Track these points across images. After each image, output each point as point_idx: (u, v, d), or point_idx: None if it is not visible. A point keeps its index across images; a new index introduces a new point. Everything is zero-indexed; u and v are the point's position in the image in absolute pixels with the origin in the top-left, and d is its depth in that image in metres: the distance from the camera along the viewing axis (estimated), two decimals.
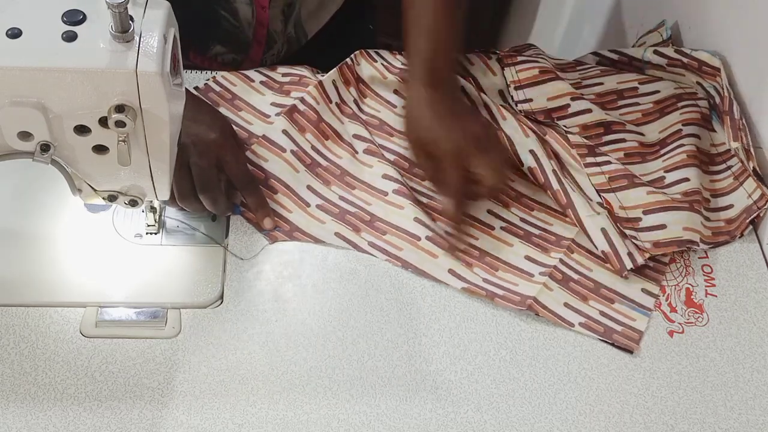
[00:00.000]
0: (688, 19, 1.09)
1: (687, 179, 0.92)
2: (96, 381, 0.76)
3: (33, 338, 0.78)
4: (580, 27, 1.56)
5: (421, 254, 0.87)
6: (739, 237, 0.92)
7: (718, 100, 0.99)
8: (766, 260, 0.91)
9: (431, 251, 0.87)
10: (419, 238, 0.87)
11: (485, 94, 0.98)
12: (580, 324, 0.83)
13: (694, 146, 0.95)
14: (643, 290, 0.86)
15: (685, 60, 1.01)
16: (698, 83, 1.01)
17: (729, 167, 0.96)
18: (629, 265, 0.86)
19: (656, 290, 0.86)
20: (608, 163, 0.93)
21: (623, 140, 0.96)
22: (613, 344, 0.83)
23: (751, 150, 0.93)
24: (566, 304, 0.84)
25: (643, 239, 0.88)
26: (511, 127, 0.94)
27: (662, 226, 0.88)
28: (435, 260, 0.86)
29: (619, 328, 0.83)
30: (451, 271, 0.86)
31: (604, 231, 0.88)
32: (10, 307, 0.80)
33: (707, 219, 0.91)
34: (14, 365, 0.77)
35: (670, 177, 0.93)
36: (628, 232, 0.88)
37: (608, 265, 0.87)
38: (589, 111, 0.97)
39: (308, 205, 0.89)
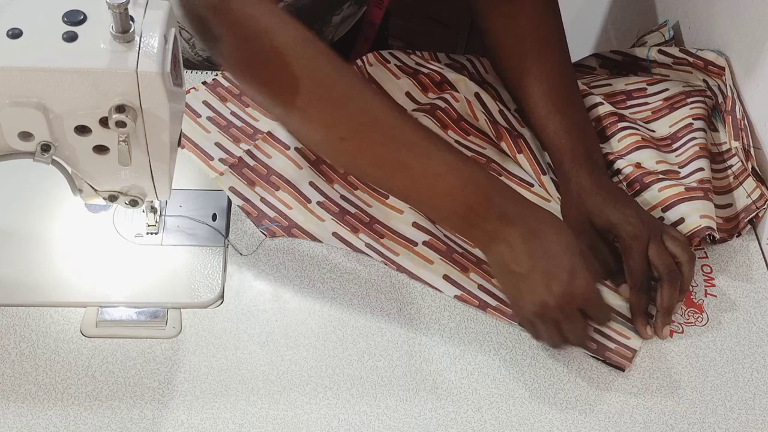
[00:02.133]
0: (688, 18, 1.09)
1: (702, 169, 0.92)
2: (96, 381, 0.76)
3: (33, 338, 0.78)
4: (580, 27, 1.56)
5: (416, 260, 0.86)
6: (737, 236, 0.92)
7: (720, 99, 0.99)
8: (765, 260, 0.91)
9: (427, 257, 0.86)
10: (416, 243, 0.87)
11: (501, 104, 0.98)
12: None
13: (704, 140, 0.95)
14: None
15: (690, 59, 1.01)
16: (705, 81, 1.01)
17: (729, 166, 0.96)
18: None
19: (653, 310, 0.85)
20: (619, 171, 0.93)
21: (637, 131, 0.96)
22: (604, 361, 0.82)
23: (751, 151, 0.93)
24: None
25: None
26: (529, 137, 0.95)
27: (681, 220, 0.88)
28: (430, 266, 0.86)
29: (612, 345, 0.82)
30: (445, 277, 0.85)
31: None
32: (11, 307, 0.80)
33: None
34: (15, 365, 0.77)
35: (685, 170, 0.93)
36: None
37: (608, 282, 0.87)
38: (601, 104, 0.98)
39: (309, 201, 0.89)
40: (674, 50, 1.03)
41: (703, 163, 0.93)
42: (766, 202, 0.92)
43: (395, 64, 1.00)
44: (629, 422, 0.78)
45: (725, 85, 0.98)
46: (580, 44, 1.54)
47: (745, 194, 0.93)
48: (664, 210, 0.89)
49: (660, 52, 1.03)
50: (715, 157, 0.97)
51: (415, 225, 0.88)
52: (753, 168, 0.93)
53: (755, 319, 0.86)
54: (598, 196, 0.87)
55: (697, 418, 0.79)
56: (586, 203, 0.87)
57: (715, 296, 0.87)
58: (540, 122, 0.94)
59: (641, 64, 1.04)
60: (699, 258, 0.90)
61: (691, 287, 0.87)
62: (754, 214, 0.92)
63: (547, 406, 0.78)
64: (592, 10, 1.51)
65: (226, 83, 0.98)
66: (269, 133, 0.92)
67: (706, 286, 0.88)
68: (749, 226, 0.93)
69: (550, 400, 0.79)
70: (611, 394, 0.80)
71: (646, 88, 1.02)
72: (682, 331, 0.84)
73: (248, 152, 0.91)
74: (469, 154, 0.96)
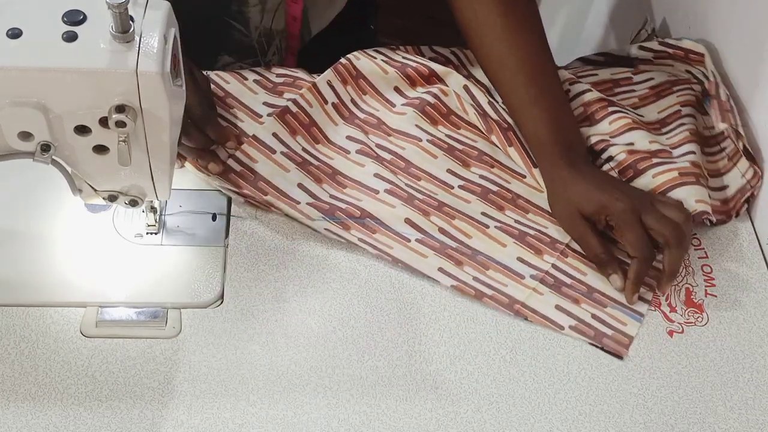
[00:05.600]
0: (688, 18, 1.09)
1: (693, 153, 0.93)
2: (96, 381, 0.76)
3: (33, 338, 0.78)
4: (580, 27, 1.57)
5: (410, 253, 0.87)
6: (736, 216, 0.93)
7: (707, 84, 1.00)
8: (766, 260, 0.91)
9: (421, 252, 0.87)
10: (409, 240, 0.87)
11: (490, 95, 0.98)
12: (570, 327, 0.83)
13: (694, 126, 0.96)
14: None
15: (670, 51, 1.02)
16: (688, 71, 1.02)
17: (723, 149, 0.96)
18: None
19: (649, 296, 0.86)
20: (611, 158, 0.93)
21: (626, 114, 0.97)
22: (602, 348, 0.82)
23: (740, 130, 0.93)
24: (557, 306, 0.84)
25: None
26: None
27: None
28: (425, 260, 0.86)
29: (609, 332, 0.83)
30: (440, 269, 0.86)
31: None
32: (10, 307, 0.80)
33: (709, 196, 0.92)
34: (14, 365, 0.77)
35: (676, 152, 0.94)
36: None
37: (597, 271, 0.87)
38: (589, 90, 0.98)
39: (298, 203, 0.89)
40: (653, 44, 1.04)
41: (693, 147, 0.94)
42: (759, 180, 0.92)
43: (382, 59, 1.00)
44: (629, 422, 0.78)
45: (708, 71, 0.99)
46: (580, 44, 1.54)
47: (740, 174, 0.94)
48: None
49: (640, 48, 1.04)
50: (709, 140, 0.98)
51: (408, 222, 0.88)
52: (744, 146, 0.93)
53: (755, 319, 0.86)
54: (581, 185, 0.88)
55: (697, 418, 0.79)
56: (570, 194, 0.88)
57: (715, 296, 0.87)
58: (517, 115, 0.94)
59: (623, 63, 1.05)
60: (699, 258, 0.90)
61: (691, 287, 0.87)
62: (749, 193, 0.93)
63: (547, 406, 0.78)
64: (592, 9, 1.51)
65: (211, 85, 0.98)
66: (254, 137, 0.92)
67: (706, 286, 0.88)
68: (751, 226, 0.93)
69: (550, 400, 0.79)
70: (611, 394, 0.80)
71: (631, 77, 1.02)
72: (682, 331, 0.84)
73: (233, 157, 0.91)
74: (461, 147, 0.96)
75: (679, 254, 0.85)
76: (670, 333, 0.84)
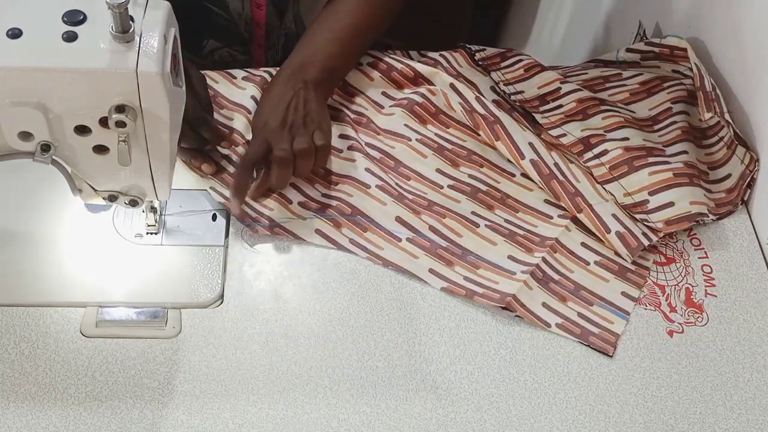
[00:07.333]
0: (689, 19, 1.10)
1: (686, 152, 0.93)
2: (96, 381, 0.76)
3: (33, 338, 0.78)
4: (581, 28, 1.57)
5: (401, 254, 0.87)
6: (741, 203, 0.93)
7: (693, 77, 1.00)
8: (765, 260, 0.91)
9: (412, 252, 0.87)
10: (400, 239, 0.87)
11: (478, 90, 0.99)
12: (557, 325, 0.83)
13: (686, 123, 0.97)
14: (623, 293, 0.86)
15: (657, 50, 1.03)
16: (675, 71, 1.02)
17: (721, 138, 0.97)
18: (646, 242, 0.88)
19: (636, 294, 0.86)
20: (605, 152, 0.93)
21: (618, 113, 0.98)
22: (589, 346, 0.82)
23: (726, 116, 0.93)
24: (544, 304, 0.84)
25: (654, 220, 0.89)
26: (507, 120, 0.95)
27: (670, 204, 0.89)
28: (415, 260, 0.86)
29: (596, 330, 0.83)
30: (431, 271, 0.86)
31: (615, 216, 0.89)
32: (10, 307, 0.80)
33: (709, 191, 0.93)
34: (14, 365, 0.77)
35: (669, 150, 0.94)
36: (638, 216, 0.89)
37: (590, 268, 0.87)
38: (580, 90, 0.99)
39: (290, 202, 0.89)
40: (640, 45, 1.04)
41: (686, 146, 0.94)
42: (756, 164, 0.93)
43: (367, 63, 1.01)
44: (629, 422, 0.78)
45: (691, 64, 0.99)
46: (580, 45, 1.54)
47: (739, 161, 0.94)
48: (651, 194, 0.90)
49: (628, 50, 1.05)
50: (706, 132, 0.98)
51: (399, 220, 0.88)
52: (735, 132, 0.93)
53: (755, 319, 0.86)
54: (268, 98, 0.92)
55: (697, 418, 0.79)
56: (261, 101, 0.94)
57: (715, 296, 0.87)
58: (306, 34, 0.98)
59: (611, 67, 1.05)
60: (699, 258, 0.90)
61: (691, 287, 0.87)
62: (749, 178, 0.93)
63: (547, 406, 0.78)
64: (592, 11, 1.51)
65: None
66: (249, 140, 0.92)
67: (706, 286, 0.88)
68: (751, 226, 0.93)
69: (550, 400, 0.79)
70: (611, 394, 0.80)
71: (621, 74, 1.03)
72: (682, 331, 0.84)
73: (227, 158, 0.91)
74: (450, 146, 0.96)
75: (277, 173, 0.87)
76: (670, 333, 0.84)
